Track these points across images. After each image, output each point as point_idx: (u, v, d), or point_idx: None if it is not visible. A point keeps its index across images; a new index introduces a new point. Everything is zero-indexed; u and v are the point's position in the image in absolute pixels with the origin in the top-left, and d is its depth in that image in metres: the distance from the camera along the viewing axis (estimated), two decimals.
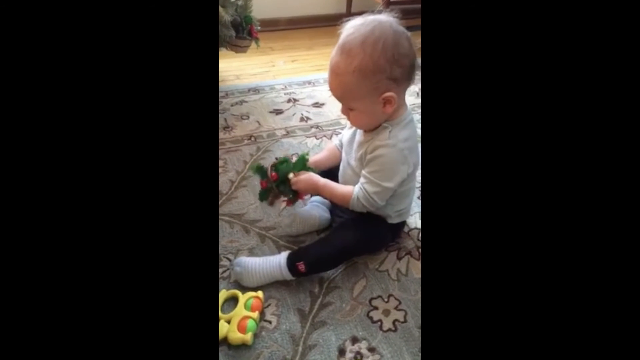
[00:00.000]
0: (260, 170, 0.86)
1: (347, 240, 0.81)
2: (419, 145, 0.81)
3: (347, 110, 0.76)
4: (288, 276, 0.79)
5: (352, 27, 0.69)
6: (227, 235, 0.93)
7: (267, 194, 0.87)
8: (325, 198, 0.88)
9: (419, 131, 0.89)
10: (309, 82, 1.65)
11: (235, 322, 0.71)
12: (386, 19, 0.70)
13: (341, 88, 0.72)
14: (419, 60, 0.75)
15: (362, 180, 0.78)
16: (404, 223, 0.91)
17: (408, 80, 0.73)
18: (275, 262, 0.79)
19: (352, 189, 0.79)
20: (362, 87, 0.69)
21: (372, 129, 0.78)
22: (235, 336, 0.69)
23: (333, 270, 0.84)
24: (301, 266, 0.78)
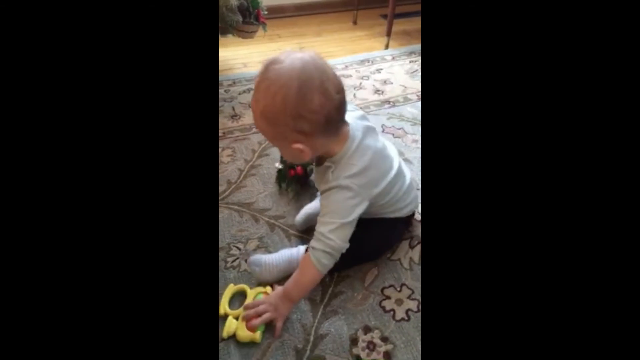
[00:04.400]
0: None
1: (367, 246, 0.78)
2: (382, 161, 0.73)
3: None
4: None
5: (271, 62, 0.61)
6: (236, 224, 0.92)
7: (291, 184, 0.99)
8: (301, 295, 0.73)
9: (380, 143, 0.74)
10: None
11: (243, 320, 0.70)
12: (303, 63, 0.59)
13: (259, 128, 0.66)
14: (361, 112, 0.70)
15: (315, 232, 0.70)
16: (413, 214, 0.89)
17: (324, 133, 0.63)
18: (294, 258, 0.78)
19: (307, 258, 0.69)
20: (270, 132, 0.65)
21: (318, 163, 0.73)
22: (244, 334, 0.68)
23: None
24: None
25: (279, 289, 0.72)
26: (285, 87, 0.58)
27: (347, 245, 0.69)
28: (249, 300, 0.73)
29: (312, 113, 0.60)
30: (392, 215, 0.80)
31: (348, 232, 0.69)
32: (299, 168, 0.96)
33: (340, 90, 0.63)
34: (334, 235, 0.67)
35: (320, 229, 0.68)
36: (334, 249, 0.68)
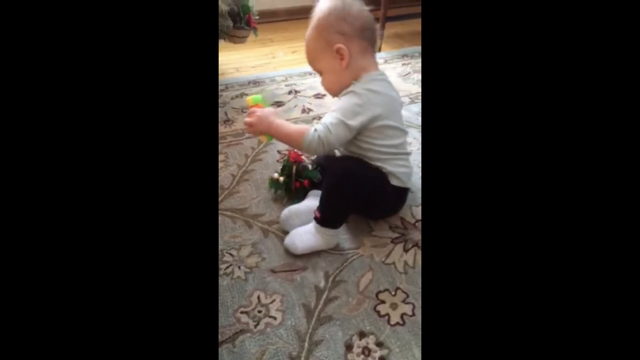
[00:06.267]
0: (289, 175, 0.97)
1: (347, 168, 0.83)
2: (392, 101, 0.87)
3: (321, 76, 0.88)
4: (318, 228, 0.83)
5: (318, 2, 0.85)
6: (229, 230, 0.91)
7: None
8: (278, 138, 0.85)
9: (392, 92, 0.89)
10: (310, 73, 1.61)
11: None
12: None
13: (308, 48, 0.87)
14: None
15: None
16: (406, 192, 0.90)
17: (360, 38, 0.83)
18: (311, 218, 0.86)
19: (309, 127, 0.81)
20: (320, 42, 0.83)
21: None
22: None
23: (338, 264, 0.82)
24: (316, 212, 0.83)
25: (272, 117, 0.82)
26: (334, 4, 0.83)
27: (337, 148, 0.86)
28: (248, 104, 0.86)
29: (351, 17, 0.82)
30: (383, 166, 0.84)
31: (345, 134, 0.79)
32: (305, 181, 0.94)
33: (372, 17, 0.85)
34: (333, 128, 0.78)
35: (326, 119, 0.80)
36: (328, 141, 0.78)
